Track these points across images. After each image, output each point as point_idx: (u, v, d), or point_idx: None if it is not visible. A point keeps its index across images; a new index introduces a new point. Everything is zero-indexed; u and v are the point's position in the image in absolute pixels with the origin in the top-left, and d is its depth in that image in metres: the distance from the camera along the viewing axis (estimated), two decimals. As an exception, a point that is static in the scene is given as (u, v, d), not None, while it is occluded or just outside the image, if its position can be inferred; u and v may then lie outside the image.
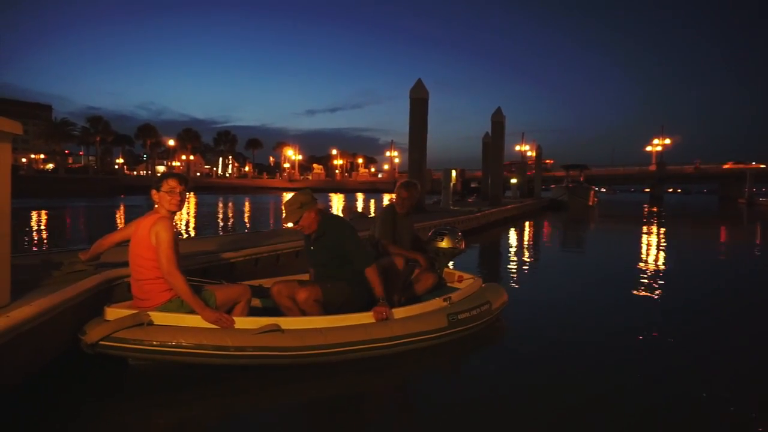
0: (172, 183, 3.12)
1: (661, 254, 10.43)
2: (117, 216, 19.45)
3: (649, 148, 63.52)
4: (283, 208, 3.61)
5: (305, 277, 4.02)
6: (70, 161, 71.71)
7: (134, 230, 3.15)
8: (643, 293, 6.15)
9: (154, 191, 3.13)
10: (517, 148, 54.90)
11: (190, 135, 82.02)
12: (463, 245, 4.67)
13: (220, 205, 28.93)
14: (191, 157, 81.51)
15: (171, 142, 79.84)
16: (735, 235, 16.77)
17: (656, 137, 62.13)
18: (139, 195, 37.52)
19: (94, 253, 3.55)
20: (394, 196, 4.59)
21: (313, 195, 3.63)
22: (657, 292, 6.24)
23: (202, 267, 4.35)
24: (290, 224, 3.62)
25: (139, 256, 3.06)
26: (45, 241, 11.16)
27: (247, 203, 31.72)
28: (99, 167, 66.89)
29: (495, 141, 20.66)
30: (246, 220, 18.57)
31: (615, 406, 2.92)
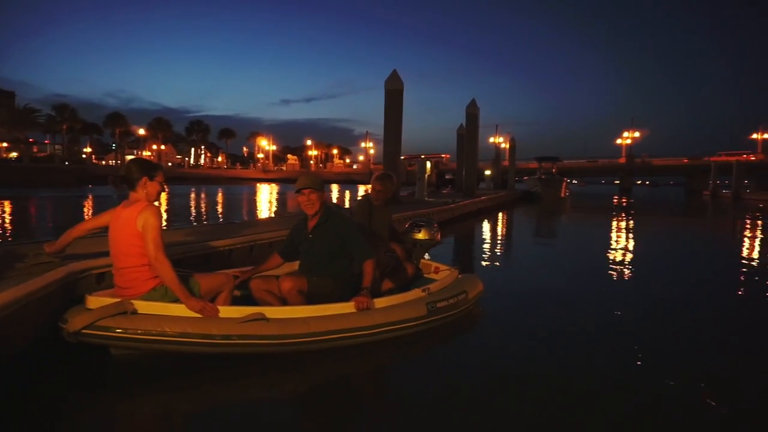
0: (162, 174, 3.17)
1: (630, 243, 10.72)
2: (85, 206, 18.96)
3: (619, 141, 64.75)
4: (305, 176, 3.70)
5: (281, 269, 4.02)
6: (35, 150, 69.30)
7: (113, 218, 3.11)
8: (613, 281, 6.36)
9: (145, 179, 3.08)
10: (491, 140, 55.24)
11: (162, 124, 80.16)
12: (439, 237, 4.75)
13: (193, 195, 28.45)
14: (162, 147, 79.78)
15: (141, 131, 77.91)
16: (699, 225, 17.32)
17: (626, 130, 63.32)
18: (108, 185, 36.59)
19: (63, 243, 3.46)
20: (370, 188, 4.61)
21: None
22: (625, 279, 6.46)
23: (175, 258, 4.26)
24: (300, 187, 3.59)
25: (124, 243, 3.02)
26: (8, 232, 10.81)
27: (220, 194, 31.29)
28: (66, 156, 64.95)
29: (469, 133, 20.79)
30: (219, 211, 18.33)
31: (586, 390, 2.99)
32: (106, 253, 3.71)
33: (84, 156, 71.49)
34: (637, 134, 63.59)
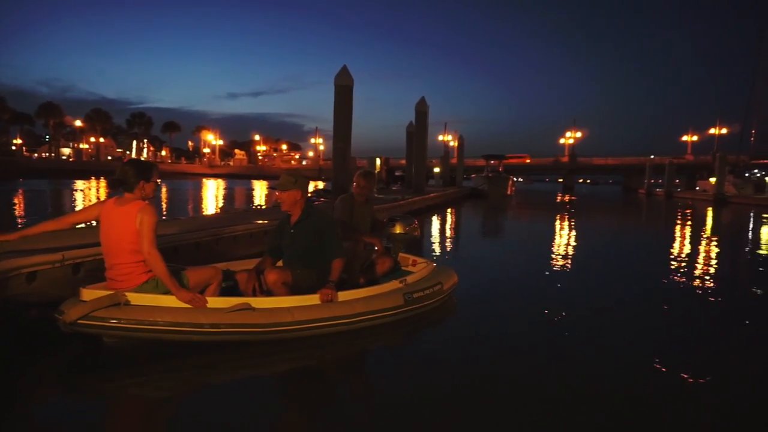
0: (156, 172, 3.32)
1: (573, 235, 11.40)
2: (16, 201, 17.84)
3: (562, 141, 67.10)
4: (281, 176, 3.90)
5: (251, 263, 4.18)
6: (-43, 141, 64.69)
7: (105, 215, 3.21)
8: (562, 270, 6.83)
9: (143, 182, 3.21)
10: (441, 137, 56.08)
11: (100, 115, 76.86)
12: (418, 232, 5.05)
13: (134, 190, 27.27)
14: (101, 140, 76.17)
15: (78, 123, 74.17)
16: (633, 219, 18.31)
17: (569, 130, 65.68)
18: (40, 179, 34.59)
19: (26, 234, 3.34)
20: (353, 184, 4.82)
21: (308, 184, 3.97)
22: (575, 269, 7.03)
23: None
24: (276, 191, 3.89)
25: (123, 241, 3.15)
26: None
27: (164, 189, 30.22)
28: (-7, 148, 60.90)
29: (419, 130, 21.01)
30: (163, 206, 17.71)
31: (556, 374, 3.18)
32: (39, 251, 3.53)
33: (14, 148, 67.30)
34: (579, 134, 66.09)
